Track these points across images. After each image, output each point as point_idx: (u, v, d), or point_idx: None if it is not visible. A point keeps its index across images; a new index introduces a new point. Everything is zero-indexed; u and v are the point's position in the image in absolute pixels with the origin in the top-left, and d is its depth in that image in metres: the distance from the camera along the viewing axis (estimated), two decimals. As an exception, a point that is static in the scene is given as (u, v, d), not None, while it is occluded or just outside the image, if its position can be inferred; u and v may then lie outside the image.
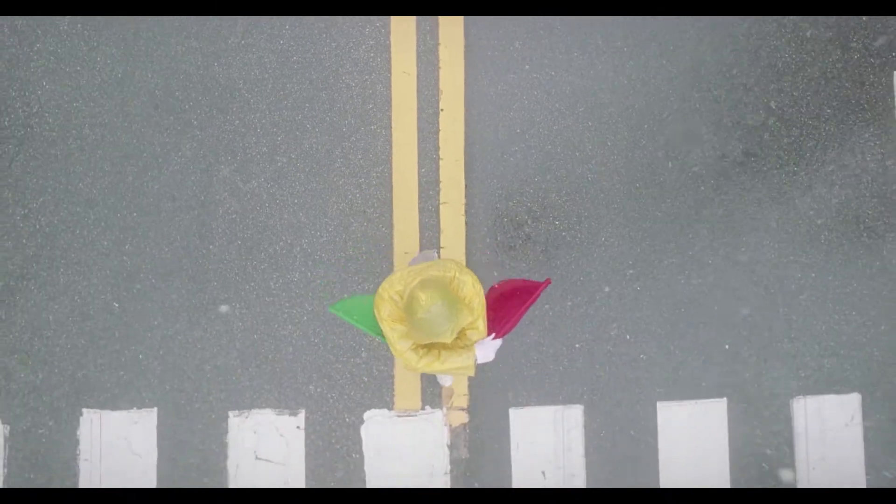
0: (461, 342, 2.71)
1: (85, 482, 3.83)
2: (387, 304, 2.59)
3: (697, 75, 4.06)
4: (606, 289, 3.96)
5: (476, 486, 3.87)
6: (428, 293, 2.35)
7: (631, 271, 3.98)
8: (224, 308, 3.88)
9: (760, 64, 4.08)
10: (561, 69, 4.01)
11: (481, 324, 2.66)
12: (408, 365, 2.64)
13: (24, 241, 3.90)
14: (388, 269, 3.91)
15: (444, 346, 2.71)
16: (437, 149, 3.95)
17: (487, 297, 3.03)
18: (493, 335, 2.72)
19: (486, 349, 2.69)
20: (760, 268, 4.02)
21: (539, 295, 2.86)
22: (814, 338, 4.02)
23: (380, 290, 2.62)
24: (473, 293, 2.60)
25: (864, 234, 4.08)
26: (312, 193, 3.93)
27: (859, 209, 4.08)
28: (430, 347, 2.71)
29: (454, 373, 2.70)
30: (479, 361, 2.70)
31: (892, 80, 4.14)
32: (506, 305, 2.90)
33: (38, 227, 3.90)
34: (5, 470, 3.83)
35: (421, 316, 2.34)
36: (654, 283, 3.99)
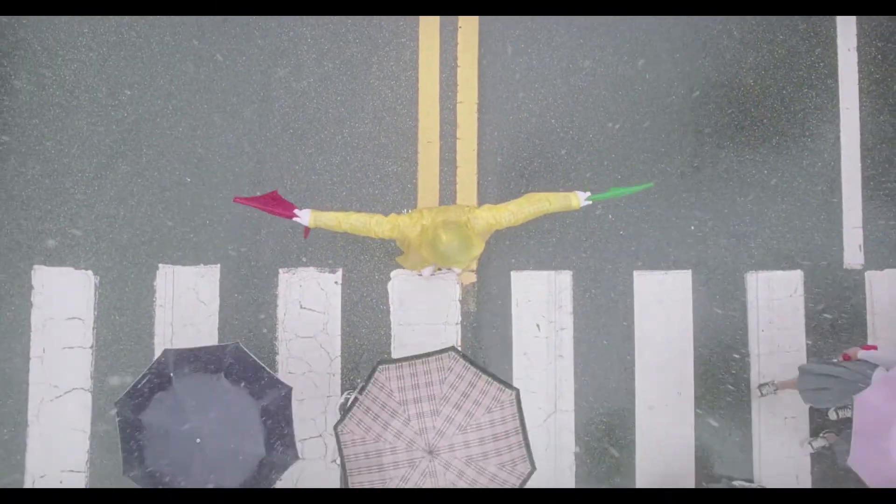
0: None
1: (159, 324, 4.63)
2: (416, 227, 3.32)
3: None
4: (593, 175, 4.78)
5: (480, 336, 4.67)
6: (448, 233, 3.08)
7: (612, 164, 4.80)
8: (277, 185, 4.70)
9: (725, -3, 4.92)
10: (559, -3, 4.85)
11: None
12: (395, 225, 3.36)
13: (114, 126, 4.73)
14: (414, 154, 4.73)
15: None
16: (456, 59, 4.79)
17: None
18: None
19: None
20: (721, 164, 4.84)
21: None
22: (765, 222, 4.83)
23: (412, 216, 3.33)
24: (490, 219, 3.31)
25: (809, 140, 4.90)
26: (353, 92, 4.77)
27: (805, 118, 4.90)
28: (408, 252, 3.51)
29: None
30: None
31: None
32: None
33: (125, 115, 4.73)
34: (95, 312, 4.64)
35: (441, 249, 3.10)
36: (632, 173, 4.81)
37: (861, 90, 4.94)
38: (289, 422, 3.52)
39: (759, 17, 4.90)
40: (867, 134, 4.90)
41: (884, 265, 4.84)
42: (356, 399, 3.29)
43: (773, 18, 4.91)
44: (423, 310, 4.67)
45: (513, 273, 4.71)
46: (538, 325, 4.70)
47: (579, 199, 3.41)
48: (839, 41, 4.96)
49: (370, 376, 3.27)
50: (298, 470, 4.60)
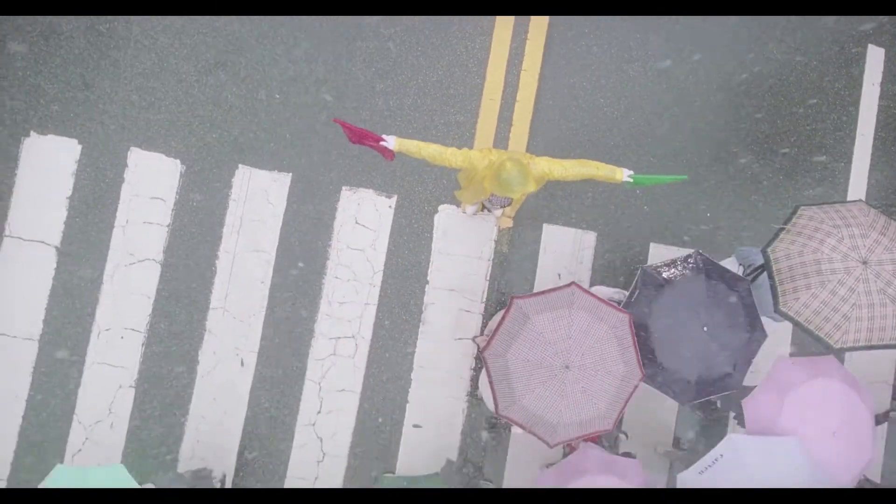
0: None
1: (230, 215, 5.26)
2: (485, 161, 3.89)
3: None
4: (628, 152, 5.40)
5: (507, 274, 5.27)
6: (512, 163, 3.71)
7: (648, 146, 5.42)
8: (354, 115, 5.34)
9: None
10: (626, -6, 5.50)
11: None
12: (454, 156, 3.90)
13: (220, 40, 5.38)
14: (477, 108, 5.37)
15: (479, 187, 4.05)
16: (527, 31, 5.43)
17: None
18: None
19: None
20: (741, 162, 5.45)
21: None
22: (772, 221, 5.43)
23: (482, 152, 3.90)
24: (546, 167, 3.90)
25: (824, 157, 5.51)
26: (432, 46, 5.41)
27: (824, 136, 5.50)
28: (470, 183, 4.11)
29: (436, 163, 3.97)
30: None
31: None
32: None
33: (231, 31, 5.38)
34: (177, 196, 5.27)
35: (504, 177, 3.70)
36: (663, 157, 5.43)
37: (878, 121, 5.55)
38: (754, 307, 4.08)
39: (797, 41, 5.52)
40: (877, 159, 5.50)
41: (872, 277, 5.42)
42: (779, 230, 4.03)
43: (811, 43, 5.53)
44: (462, 242, 5.28)
45: (545, 225, 5.32)
46: (559, 275, 5.30)
47: (623, 173, 4.01)
48: (865, 75, 5.58)
49: (792, 214, 4.07)
50: (329, 364, 5.21)
